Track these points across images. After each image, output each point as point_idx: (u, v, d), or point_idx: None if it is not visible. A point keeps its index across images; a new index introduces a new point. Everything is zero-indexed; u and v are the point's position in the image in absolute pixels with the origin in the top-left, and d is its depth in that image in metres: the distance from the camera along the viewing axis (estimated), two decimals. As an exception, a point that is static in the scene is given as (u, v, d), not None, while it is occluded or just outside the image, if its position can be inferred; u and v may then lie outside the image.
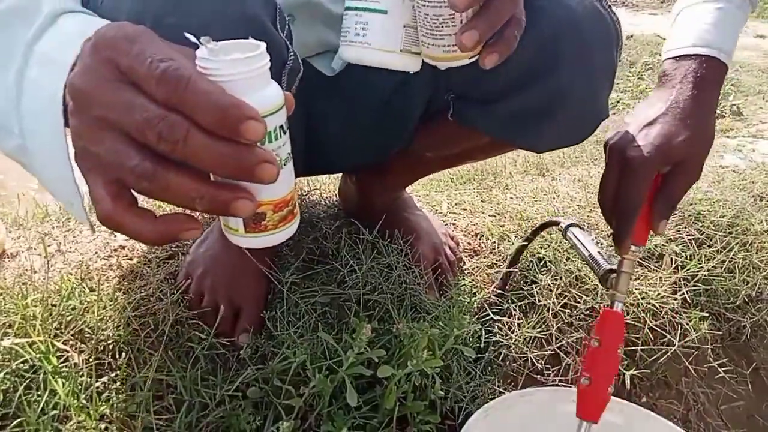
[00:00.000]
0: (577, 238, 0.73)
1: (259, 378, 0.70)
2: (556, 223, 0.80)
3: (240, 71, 0.32)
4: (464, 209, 1.09)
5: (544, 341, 0.84)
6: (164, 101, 0.30)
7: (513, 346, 0.84)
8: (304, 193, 1.04)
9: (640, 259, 0.96)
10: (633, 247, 0.60)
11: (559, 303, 0.88)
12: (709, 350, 0.94)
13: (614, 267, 0.62)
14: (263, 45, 0.34)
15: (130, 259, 0.83)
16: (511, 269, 0.89)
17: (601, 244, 0.97)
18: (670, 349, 0.86)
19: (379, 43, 0.49)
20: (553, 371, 0.82)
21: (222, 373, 0.71)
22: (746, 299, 0.98)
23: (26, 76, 0.38)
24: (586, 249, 0.69)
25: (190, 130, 0.30)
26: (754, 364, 1.00)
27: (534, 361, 0.84)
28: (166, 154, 0.31)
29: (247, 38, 0.35)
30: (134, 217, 0.33)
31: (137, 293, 0.76)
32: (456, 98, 0.70)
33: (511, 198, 1.14)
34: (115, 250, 0.85)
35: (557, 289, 0.88)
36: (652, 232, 0.62)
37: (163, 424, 0.65)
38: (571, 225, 0.76)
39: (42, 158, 0.39)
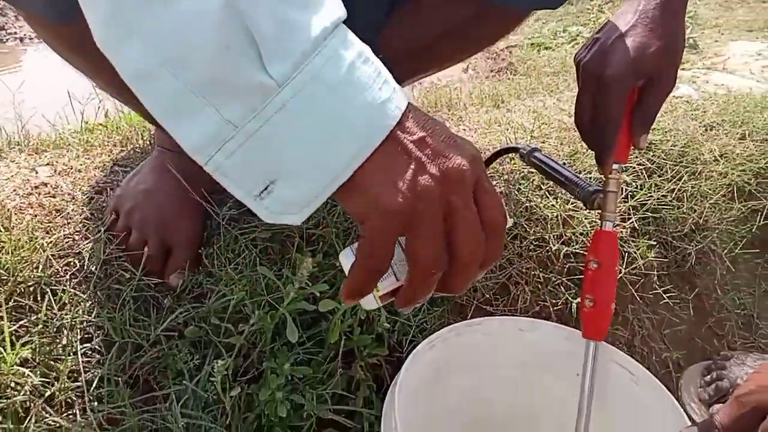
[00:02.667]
0: (545, 163, 0.71)
1: (196, 317, 0.67)
2: (516, 149, 0.78)
3: None
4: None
5: (493, 272, 0.83)
6: None
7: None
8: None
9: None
10: (615, 165, 0.60)
11: (509, 234, 0.87)
12: (655, 278, 0.95)
13: (599, 188, 0.62)
14: None
15: (53, 196, 0.77)
16: None
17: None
18: (618, 276, 0.86)
19: None
20: (502, 301, 0.82)
21: (156, 313, 0.67)
22: (693, 227, 0.99)
23: (335, 48, 0.33)
24: (560, 173, 0.68)
25: None
26: (697, 290, 1.02)
27: (483, 291, 0.83)
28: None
29: None
30: None
31: (59, 232, 0.70)
32: None
33: (464, 129, 1.10)
34: (36, 187, 0.78)
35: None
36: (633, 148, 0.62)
37: (91, 367, 0.61)
38: (534, 149, 0.74)
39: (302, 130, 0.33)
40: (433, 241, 0.36)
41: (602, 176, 0.62)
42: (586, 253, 0.86)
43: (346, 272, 0.40)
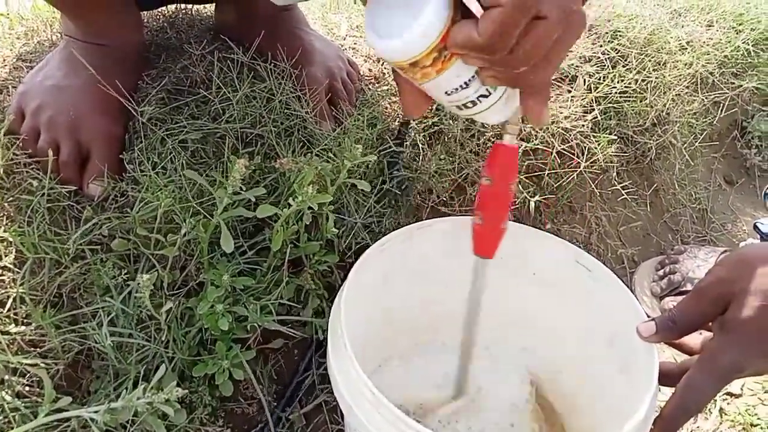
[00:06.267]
0: None
1: (121, 228, 0.60)
2: None
3: None
4: (365, 32, 0.95)
5: (448, 172, 0.78)
6: None
7: (417, 179, 0.78)
8: (171, 13, 0.86)
9: (554, 80, 0.89)
10: None
11: (467, 131, 0.81)
12: (614, 174, 0.92)
13: None
14: None
15: (-57, 97, 0.67)
16: None
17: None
18: (577, 172, 0.83)
19: None
20: (457, 201, 0.78)
21: (75, 225, 0.60)
22: (654, 121, 0.96)
23: None
24: None
25: None
26: (655, 186, 1.00)
27: (438, 193, 0.78)
28: None
29: None
30: None
31: (-49, 137, 0.61)
32: None
33: None
34: None
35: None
36: None
37: (4, 286, 0.55)
38: None
39: None
40: None
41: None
42: (542, 147, 0.82)
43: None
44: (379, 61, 0.89)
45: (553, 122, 0.82)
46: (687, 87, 1.00)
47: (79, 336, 0.57)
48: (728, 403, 0.78)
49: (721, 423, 0.75)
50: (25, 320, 0.54)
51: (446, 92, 0.40)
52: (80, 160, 0.62)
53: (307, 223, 0.65)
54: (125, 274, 0.59)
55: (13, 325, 0.54)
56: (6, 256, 0.56)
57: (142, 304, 0.57)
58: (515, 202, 0.81)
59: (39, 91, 0.64)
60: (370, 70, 0.87)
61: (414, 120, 0.80)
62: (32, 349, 0.54)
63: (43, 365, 0.53)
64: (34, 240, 0.56)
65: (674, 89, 0.96)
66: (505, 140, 0.50)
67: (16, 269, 0.56)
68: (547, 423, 0.67)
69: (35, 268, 0.58)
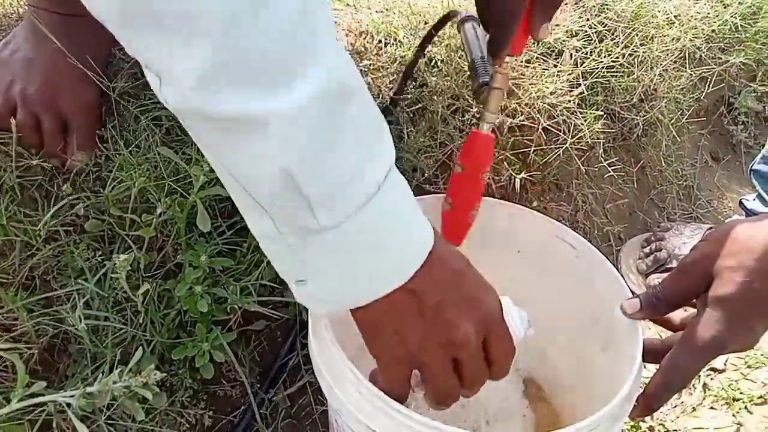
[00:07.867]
0: (467, 36, 0.61)
1: (93, 208, 0.58)
2: (456, 14, 0.68)
3: None
4: (347, 5, 0.93)
5: (433, 150, 0.76)
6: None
7: (403, 156, 0.76)
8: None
9: (540, 55, 0.87)
10: (507, 59, 0.53)
11: (450, 108, 0.79)
12: (601, 150, 0.92)
13: (488, 81, 0.54)
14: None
15: None
16: (410, 71, 0.77)
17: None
18: (562, 148, 0.82)
19: None
20: (442, 178, 0.77)
21: (47, 204, 0.58)
22: (642, 96, 0.94)
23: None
24: (471, 52, 0.59)
25: None
26: (641, 163, 1.00)
27: (424, 170, 0.77)
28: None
29: None
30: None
31: None
32: None
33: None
34: None
35: (449, 92, 0.79)
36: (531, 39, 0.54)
37: (-30, 270, 0.53)
38: (468, 18, 0.63)
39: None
40: (441, 377, 0.40)
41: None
42: (528, 123, 0.81)
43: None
44: (361, 35, 0.87)
45: (539, 98, 0.81)
46: (674, 62, 0.99)
47: (54, 319, 0.55)
48: (711, 379, 0.78)
49: (704, 398, 0.76)
50: (-5, 304, 0.53)
51: None
52: (62, 131, 0.61)
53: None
54: (100, 255, 0.58)
55: (-17, 309, 0.53)
56: (-27, 238, 0.55)
57: (118, 285, 0.56)
58: (500, 179, 0.79)
59: (10, 64, 0.62)
60: (352, 44, 0.85)
61: (400, 98, 0.78)
62: (4, 333, 0.53)
63: (15, 350, 0.52)
64: (2, 221, 0.55)
65: (661, 64, 0.95)
66: (482, 128, 0.50)
67: (-15, 252, 0.54)
68: (536, 401, 0.67)
69: (5, 250, 0.56)
